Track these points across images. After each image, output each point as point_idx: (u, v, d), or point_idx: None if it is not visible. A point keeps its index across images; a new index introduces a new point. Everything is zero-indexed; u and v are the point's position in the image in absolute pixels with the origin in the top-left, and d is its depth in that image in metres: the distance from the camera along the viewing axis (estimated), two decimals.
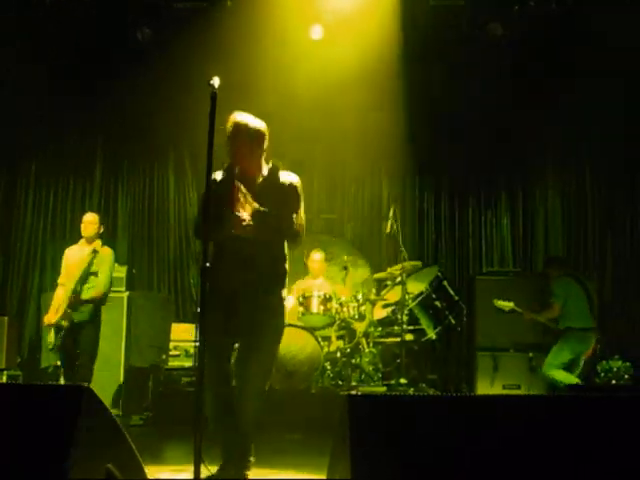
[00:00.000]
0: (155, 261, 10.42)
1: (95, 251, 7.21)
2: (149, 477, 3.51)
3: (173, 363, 8.85)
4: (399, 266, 8.30)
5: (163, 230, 10.48)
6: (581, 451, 2.63)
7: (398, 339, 8.25)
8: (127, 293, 8.63)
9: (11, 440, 2.32)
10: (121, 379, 8.36)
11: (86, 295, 7.04)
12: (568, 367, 7.77)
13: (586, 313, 7.94)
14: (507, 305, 7.91)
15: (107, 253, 7.36)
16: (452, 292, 8.56)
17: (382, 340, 8.61)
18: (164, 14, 9.33)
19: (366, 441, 2.57)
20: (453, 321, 8.47)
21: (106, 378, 8.03)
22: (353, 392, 7.55)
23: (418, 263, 8.68)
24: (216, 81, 4.05)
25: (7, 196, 10.40)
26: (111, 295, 7.72)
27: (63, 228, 10.25)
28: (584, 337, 7.86)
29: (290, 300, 8.22)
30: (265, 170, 4.72)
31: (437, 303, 8.31)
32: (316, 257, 8.87)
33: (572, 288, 8.01)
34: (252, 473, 4.48)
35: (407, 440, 2.59)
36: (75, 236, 7.82)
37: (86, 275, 7.14)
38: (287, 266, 4.73)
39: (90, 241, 7.31)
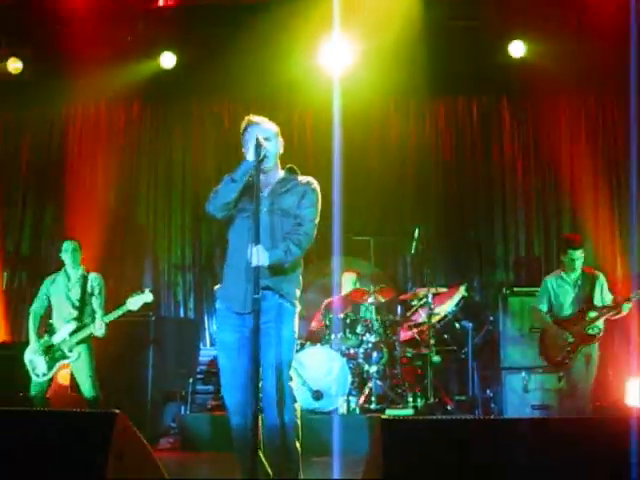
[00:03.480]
0: (178, 283, 10.50)
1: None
2: None
3: (200, 387, 8.87)
4: (424, 287, 8.29)
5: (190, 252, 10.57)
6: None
7: (425, 360, 8.21)
8: (154, 317, 8.65)
9: (44, 467, 2.33)
10: (148, 402, 8.38)
11: None
12: None
13: None
14: None
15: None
16: (479, 311, 8.53)
17: (409, 361, 8.58)
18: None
19: (399, 464, 2.55)
20: (480, 341, 8.44)
21: (133, 402, 8.04)
22: (384, 415, 7.51)
23: (444, 288, 8.67)
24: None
25: None
26: (138, 319, 7.78)
27: None
28: None
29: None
30: (282, 172, 4.77)
31: (464, 323, 8.28)
32: (349, 277, 8.92)
33: None
34: None
35: (441, 463, 2.57)
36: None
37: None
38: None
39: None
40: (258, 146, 4.41)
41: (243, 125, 4.70)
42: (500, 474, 2.48)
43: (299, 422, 4.52)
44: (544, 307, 7.29)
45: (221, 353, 4.61)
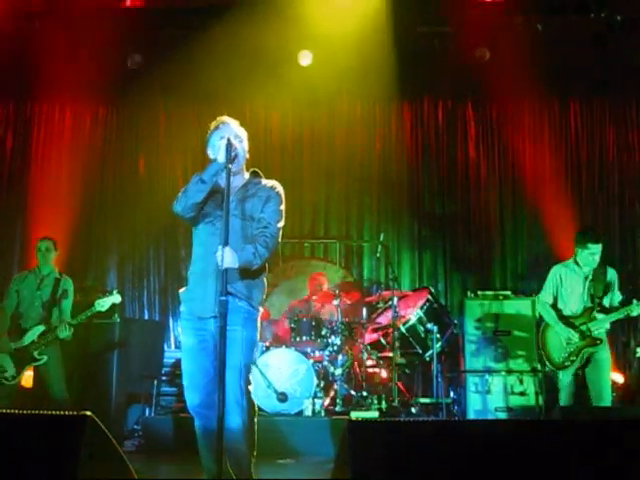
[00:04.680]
0: (145, 287, 10.47)
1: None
2: None
3: (164, 389, 8.84)
4: (390, 290, 8.35)
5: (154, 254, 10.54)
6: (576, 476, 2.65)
7: (390, 363, 8.26)
8: (119, 319, 8.60)
9: (15, 470, 2.33)
10: (112, 404, 8.33)
11: None
12: None
13: None
14: None
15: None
16: (443, 315, 8.61)
17: (374, 364, 8.63)
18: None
19: (367, 466, 2.58)
20: (444, 344, 8.52)
21: (97, 404, 7.99)
22: (351, 417, 7.54)
23: (409, 291, 8.76)
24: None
25: None
26: (104, 322, 7.77)
27: None
28: None
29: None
30: (247, 175, 4.76)
31: (429, 326, 8.34)
32: (315, 281, 8.98)
33: None
34: None
35: (407, 465, 2.60)
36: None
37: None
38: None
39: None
40: (229, 146, 4.40)
41: (213, 125, 4.71)
42: (465, 476, 2.52)
43: (255, 427, 4.56)
44: (550, 299, 6.97)
45: (184, 355, 4.62)
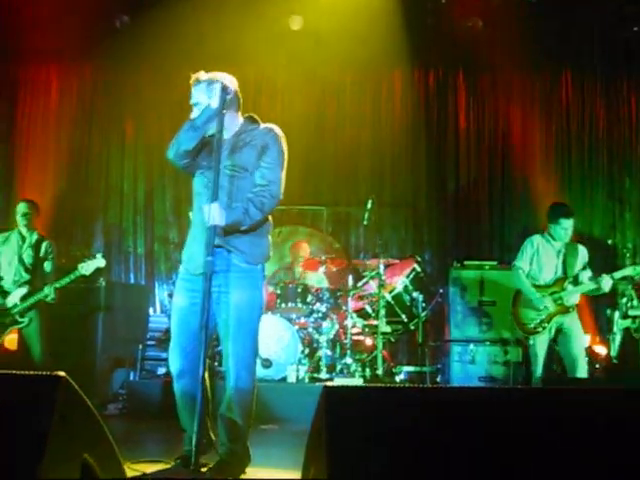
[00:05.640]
0: (132, 251, 10.43)
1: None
2: (127, 468, 3.48)
3: (150, 353, 8.83)
4: (376, 258, 8.34)
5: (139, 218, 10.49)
6: (559, 445, 2.64)
7: (375, 331, 8.28)
8: (104, 283, 8.57)
9: None
10: (96, 368, 8.32)
11: None
12: None
13: None
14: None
15: None
16: (429, 284, 8.62)
17: (359, 331, 8.64)
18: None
19: (342, 432, 2.57)
20: (430, 313, 8.55)
21: (81, 368, 7.98)
22: (330, 383, 7.56)
23: (396, 260, 8.75)
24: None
25: None
26: (89, 286, 7.75)
27: None
28: None
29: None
30: (240, 120, 4.52)
31: (414, 295, 8.35)
32: (301, 247, 8.96)
33: None
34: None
35: (383, 432, 2.60)
36: None
37: None
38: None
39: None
40: (224, 89, 4.22)
41: (195, 77, 4.45)
42: (443, 444, 2.52)
43: (255, 392, 4.44)
44: (526, 267, 7.04)
45: (173, 315, 4.48)
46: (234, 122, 4.47)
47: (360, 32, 9.17)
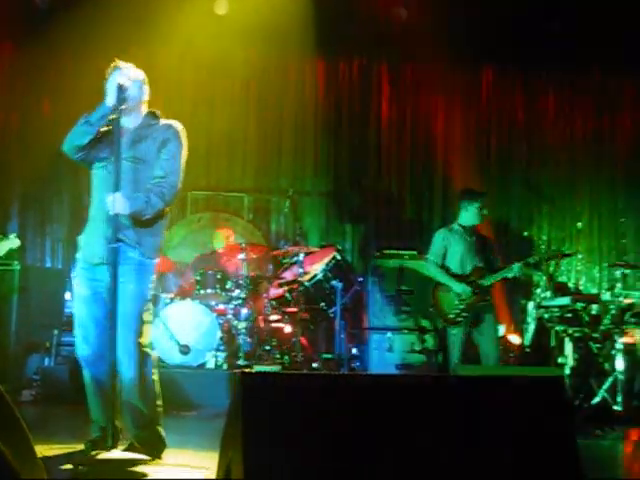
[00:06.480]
0: (48, 234, 10.23)
1: None
2: (39, 455, 3.46)
3: (65, 338, 8.69)
4: (296, 246, 8.38)
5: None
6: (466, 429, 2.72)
7: (294, 318, 8.31)
8: (19, 266, 8.39)
9: None
10: (10, 353, 8.16)
11: None
12: None
13: None
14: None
15: None
16: (349, 272, 8.68)
17: (278, 318, 8.66)
18: None
19: (258, 418, 2.60)
20: (349, 301, 8.61)
21: None
22: (247, 370, 7.58)
23: (315, 248, 8.81)
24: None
25: None
26: (2, 268, 7.56)
27: None
28: None
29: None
30: (142, 116, 4.61)
31: (333, 283, 8.39)
32: (221, 234, 8.93)
33: None
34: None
35: (297, 417, 2.63)
36: None
37: None
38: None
39: None
40: (120, 88, 4.30)
41: (108, 70, 4.53)
42: (352, 428, 2.57)
43: (155, 377, 4.52)
44: (439, 260, 7.17)
45: (76, 305, 4.56)
46: (134, 116, 4.56)
47: (284, 19, 9.13)
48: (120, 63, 4.54)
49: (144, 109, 4.63)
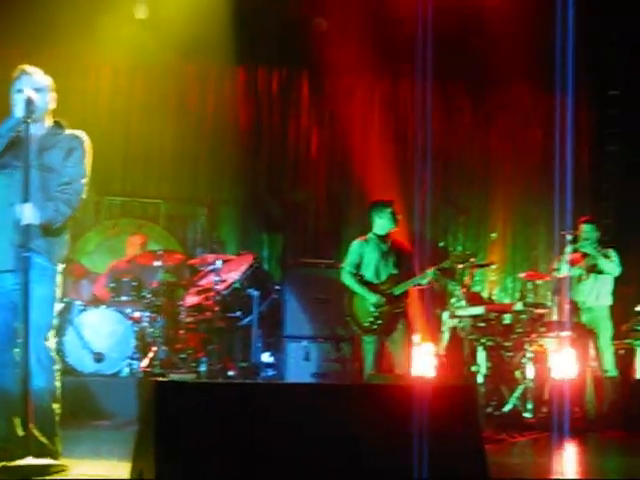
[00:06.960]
0: None
1: None
2: None
3: None
4: (213, 253, 8.36)
5: None
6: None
7: (210, 326, 8.27)
8: None
9: None
10: None
11: None
12: None
13: None
14: None
15: None
16: (266, 281, 8.69)
17: (194, 327, 8.61)
18: None
19: (170, 426, 2.59)
20: (266, 309, 8.61)
21: None
22: (162, 378, 7.51)
23: (232, 256, 8.81)
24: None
25: None
26: None
27: None
28: None
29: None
30: (47, 124, 4.60)
31: (250, 291, 8.38)
32: (136, 241, 8.85)
33: None
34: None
35: (210, 427, 2.63)
36: None
37: None
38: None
39: None
40: (29, 102, 4.29)
41: (15, 74, 4.48)
42: (267, 436, 2.58)
43: (58, 384, 4.46)
44: (353, 270, 7.30)
45: None
46: (42, 124, 4.55)
47: (204, 26, 9.10)
48: (27, 68, 4.50)
49: (49, 117, 4.61)
